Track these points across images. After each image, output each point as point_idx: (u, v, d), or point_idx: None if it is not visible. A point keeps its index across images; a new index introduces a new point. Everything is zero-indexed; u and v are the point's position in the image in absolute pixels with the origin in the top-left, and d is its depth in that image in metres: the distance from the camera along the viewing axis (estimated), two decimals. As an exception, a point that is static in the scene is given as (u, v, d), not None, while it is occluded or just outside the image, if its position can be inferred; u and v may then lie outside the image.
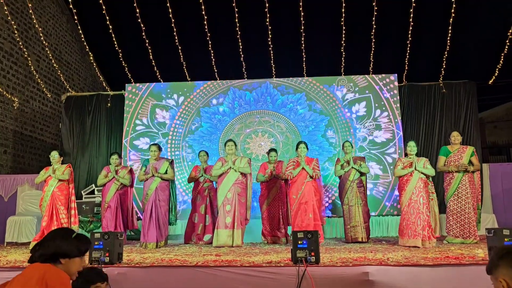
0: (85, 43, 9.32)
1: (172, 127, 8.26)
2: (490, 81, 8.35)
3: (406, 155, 5.66)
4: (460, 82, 8.24)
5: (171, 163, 6.20)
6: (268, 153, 6.73)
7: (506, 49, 7.72)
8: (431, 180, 5.66)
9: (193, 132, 8.21)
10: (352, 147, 6.57)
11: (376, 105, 8.07)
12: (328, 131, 8.06)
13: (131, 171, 6.61)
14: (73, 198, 6.38)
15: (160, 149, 6.26)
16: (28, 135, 9.62)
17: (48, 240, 1.96)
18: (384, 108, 8.04)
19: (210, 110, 8.29)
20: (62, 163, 6.53)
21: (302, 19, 7.87)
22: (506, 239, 3.52)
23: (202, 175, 6.66)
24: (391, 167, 7.76)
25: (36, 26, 9.10)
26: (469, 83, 8.23)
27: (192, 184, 6.90)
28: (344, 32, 8.09)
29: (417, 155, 5.70)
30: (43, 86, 9.81)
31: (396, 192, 7.59)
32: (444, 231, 6.27)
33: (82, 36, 9.00)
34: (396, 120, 7.97)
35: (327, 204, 7.63)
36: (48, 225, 6.00)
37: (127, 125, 8.30)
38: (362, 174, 6.26)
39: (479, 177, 6.06)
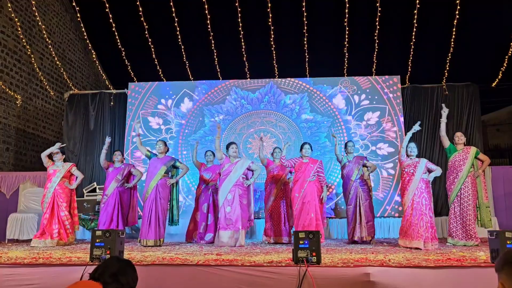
0: (88, 42, 9.34)
1: (179, 140, 8.27)
2: (494, 84, 8.33)
3: (407, 156, 5.63)
4: (463, 85, 8.23)
5: (175, 162, 6.21)
6: (272, 153, 6.73)
7: (510, 52, 7.70)
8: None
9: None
10: (355, 147, 6.57)
11: (379, 107, 8.09)
12: (314, 107, 8.15)
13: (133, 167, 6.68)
14: (74, 197, 6.40)
15: (166, 145, 6.27)
16: (31, 132, 9.64)
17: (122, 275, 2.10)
18: (386, 109, 8.05)
19: (213, 108, 8.30)
20: (64, 161, 6.55)
21: (305, 19, 7.87)
22: (508, 242, 3.49)
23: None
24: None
25: (40, 24, 9.11)
26: (472, 86, 8.21)
27: (196, 182, 6.89)
28: (347, 33, 8.07)
29: (418, 157, 5.67)
30: (46, 83, 9.83)
31: (397, 198, 7.59)
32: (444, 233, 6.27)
33: (85, 34, 9.02)
34: (399, 120, 7.97)
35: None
36: (48, 223, 6.00)
37: (131, 118, 8.31)
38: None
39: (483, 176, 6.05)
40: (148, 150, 6.27)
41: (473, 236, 5.53)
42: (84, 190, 7.80)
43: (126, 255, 4.11)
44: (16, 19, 8.69)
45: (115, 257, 2.28)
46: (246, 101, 8.30)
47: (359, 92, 8.16)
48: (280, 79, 8.40)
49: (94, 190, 7.82)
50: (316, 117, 8.12)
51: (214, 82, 8.48)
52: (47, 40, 9.31)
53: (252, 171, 6.08)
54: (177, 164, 6.19)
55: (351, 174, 6.19)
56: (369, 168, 6.32)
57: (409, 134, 5.58)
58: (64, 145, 6.75)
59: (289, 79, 8.35)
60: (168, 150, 6.38)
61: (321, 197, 6.07)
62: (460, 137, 5.92)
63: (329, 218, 7.43)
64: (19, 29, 8.76)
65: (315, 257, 3.54)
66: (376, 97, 8.12)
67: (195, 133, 8.25)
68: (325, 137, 8.03)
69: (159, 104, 8.40)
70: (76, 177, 6.36)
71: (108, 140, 6.48)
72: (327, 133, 8.02)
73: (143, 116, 8.33)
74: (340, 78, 8.33)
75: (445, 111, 5.87)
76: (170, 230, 6.92)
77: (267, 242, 6.30)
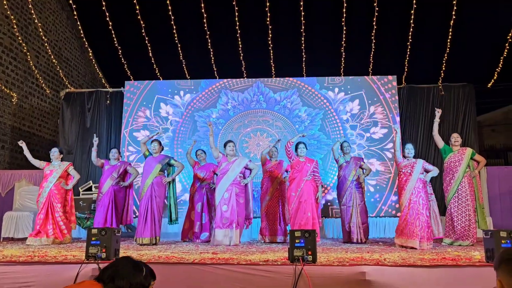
0: (84, 40, 9.31)
1: (175, 139, 8.28)
2: (489, 85, 8.37)
3: (404, 157, 5.66)
4: (459, 85, 8.26)
5: (170, 160, 6.19)
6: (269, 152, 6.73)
7: (505, 53, 7.74)
8: (429, 181, 5.66)
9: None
10: (351, 147, 6.59)
11: (370, 102, 8.16)
12: (325, 125, 8.13)
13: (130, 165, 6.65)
14: (72, 196, 6.36)
15: (160, 144, 6.25)
16: (26, 131, 9.59)
17: (121, 274, 2.05)
18: (382, 109, 8.07)
19: (204, 114, 8.31)
20: (61, 160, 6.52)
21: (302, 18, 7.87)
22: (503, 241, 3.51)
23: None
24: (391, 162, 7.80)
25: (36, 21, 9.07)
26: (468, 86, 8.24)
27: (191, 181, 6.90)
28: (344, 32, 8.09)
29: (415, 157, 5.69)
30: (42, 82, 9.78)
31: (393, 197, 7.62)
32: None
33: (82, 32, 8.98)
34: (394, 119, 8.00)
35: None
36: (43, 222, 5.96)
37: (127, 117, 8.34)
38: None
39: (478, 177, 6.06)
40: (147, 150, 6.24)
41: (470, 236, 5.54)
42: (80, 188, 7.77)
43: (122, 254, 4.10)
44: (12, 17, 8.65)
45: (125, 258, 2.20)
46: (237, 102, 8.32)
47: (376, 104, 8.16)
48: (264, 79, 8.39)
49: (90, 189, 7.79)
50: (308, 110, 8.17)
51: (197, 82, 8.47)
52: (43, 38, 9.26)
53: (250, 169, 6.08)
54: (172, 162, 6.17)
55: (348, 174, 6.20)
56: (364, 170, 6.36)
57: (398, 138, 5.64)
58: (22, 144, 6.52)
59: (274, 79, 8.38)
60: (163, 149, 6.37)
61: (316, 196, 6.08)
62: (456, 138, 5.95)
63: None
64: (15, 26, 8.71)
65: (311, 256, 3.54)
66: (390, 115, 8.09)
67: (189, 139, 8.16)
68: (318, 129, 8.08)
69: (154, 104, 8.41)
70: (73, 177, 6.32)
71: (95, 140, 6.46)
72: (321, 126, 8.08)
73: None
74: (335, 77, 8.33)
75: (438, 112, 5.92)
76: (166, 229, 6.90)
77: (262, 241, 6.31)
